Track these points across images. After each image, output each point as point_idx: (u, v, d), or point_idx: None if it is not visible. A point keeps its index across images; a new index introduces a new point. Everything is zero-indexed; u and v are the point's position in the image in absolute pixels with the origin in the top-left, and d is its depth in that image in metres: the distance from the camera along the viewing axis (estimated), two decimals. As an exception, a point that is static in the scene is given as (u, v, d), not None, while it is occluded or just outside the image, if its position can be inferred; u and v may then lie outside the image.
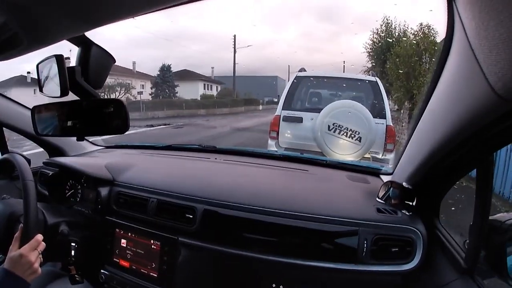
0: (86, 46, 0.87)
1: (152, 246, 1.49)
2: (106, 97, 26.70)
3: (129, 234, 1.56)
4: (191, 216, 1.43)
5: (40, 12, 0.67)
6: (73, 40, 0.85)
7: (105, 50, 0.90)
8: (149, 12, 0.67)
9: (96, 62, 0.89)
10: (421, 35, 16.26)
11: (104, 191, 1.65)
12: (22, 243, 1.24)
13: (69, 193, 1.81)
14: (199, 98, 35.40)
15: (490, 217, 1.07)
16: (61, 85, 0.84)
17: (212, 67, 46.76)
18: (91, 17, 0.70)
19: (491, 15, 0.52)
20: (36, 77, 0.97)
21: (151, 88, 35.05)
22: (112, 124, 0.95)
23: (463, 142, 0.87)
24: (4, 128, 2.02)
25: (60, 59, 0.84)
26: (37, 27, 0.74)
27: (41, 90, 0.95)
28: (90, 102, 0.93)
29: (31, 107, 1.12)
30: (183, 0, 0.63)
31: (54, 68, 0.86)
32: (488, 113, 0.69)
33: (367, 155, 4.31)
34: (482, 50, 0.59)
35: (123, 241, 1.57)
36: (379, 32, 26.13)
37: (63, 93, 0.84)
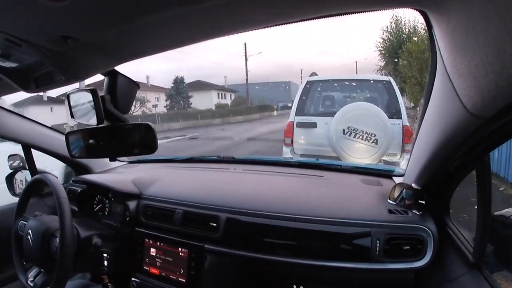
0: (113, 76, 0.96)
1: (180, 254, 1.57)
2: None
3: (158, 243, 1.64)
4: (215, 225, 1.51)
5: (75, 54, 0.75)
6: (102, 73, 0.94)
7: (130, 78, 0.99)
8: (171, 49, 0.76)
9: (123, 90, 0.97)
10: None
11: (132, 204, 1.74)
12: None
13: (97, 208, 1.89)
14: (213, 108, 35.54)
15: (496, 213, 1.12)
16: (97, 114, 0.93)
17: (225, 76, 47.05)
18: (120, 56, 0.78)
19: (457, 48, 0.62)
20: (67, 105, 1.06)
21: (166, 101, 35.30)
22: (142, 145, 1.04)
23: (454, 150, 0.96)
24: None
25: (95, 93, 0.93)
26: (71, 67, 0.82)
27: (72, 117, 1.04)
28: (122, 126, 1.02)
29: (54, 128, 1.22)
30: (196, 41, 0.72)
31: (88, 98, 0.95)
32: (465, 128, 0.80)
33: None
34: (454, 75, 0.69)
35: (152, 250, 1.66)
36: (388, 30, 25.92)
37: (99, 121, 0.93)
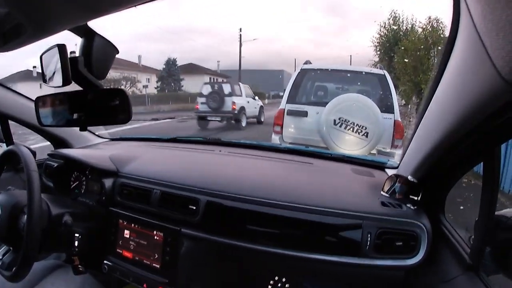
0: (89, 36, 0.86)
1: (155, 237, 1.49)
2: (111, 90, 26.84)
3: (133, 225, 1.56)
4: (194, 208, 1.43)
5: (43, 1, 0.66)
6: (76, 31, 0.84)
7: (108, 41, 0.89)
8: (151, 1, 0.66)
9: (99, 52, 0.87)
10: (430, 29, 16.12)
11: (108, 182, 1.65)
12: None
13: (74, 185, 1.81)
14: (204, 92, 35.38)
15: (496, 213, 1.05)
16: (63, 75, 0.83)
17: (218, 61, 46.80)
18: (94, 6, 0.69)
19: None
20: (40, 68, 0.96)
21: (157, 82, 35.10)
22: (115, 114, 0.95)
23: (469, 133, 0.85)
24: (9, 121, 2.01)
25: (62, 49, 0.83)
26: (40, 16, 0.72)
27: (44, 81, 0.94)
28: (93, 92, 0.93)
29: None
30: None
31: (56, 57, 0.85)
32: (495, 100, 0.67)
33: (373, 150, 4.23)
34: (488, 33, 0.56)
35: (126, 232, 1.57)
36: (386, 26, 26.01)
37: (65, 82, 0.83)
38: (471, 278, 1.04)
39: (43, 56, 0.94)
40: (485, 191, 0.98)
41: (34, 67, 29.45)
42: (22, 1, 0.67)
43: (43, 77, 0.95)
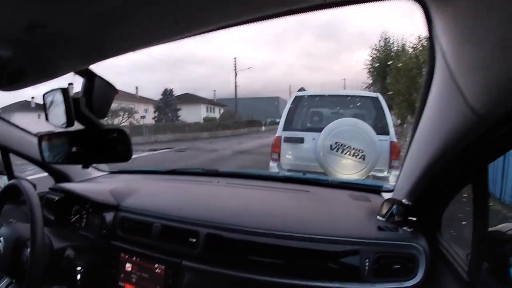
0: (89, 77, 0.90)
1: (157, 270, 1.49)
2: (109, 122, 27.03)
3: (134, 258, 1.56)
4: (194, 240, 1.43)
5: (47, 48, 0.70)
6: (77, 72, 0.89)
7: (108, 81, 0.93)
8: (148, 47, 0.70)
9: (100, 92, 0.92)
10: (420, 48, 16.35)
11: (109, 216, 1.66)
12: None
13: (74, 218, 1.82)
14: (201, 121, 35.63)
15: (491, 228, 1.07)
16: (67, 117, 0.86)
17: (214, 90, 47.39)
18: (95, 52, 0.73)
19: (466, 38, 0.55)
20: (42, 105, 1.00)
21: (154, 112, 35.36)
22: (116, 152, 0.98)
23: (453, 160, 0.89)
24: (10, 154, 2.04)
25: (65, 92, 0.87)
26: (43, 61, 0.77)
27: (47, 119, 0.98)
28: (95, 131, 0.96)
29: (36, 133, 1.15)
30: (178, 37, 0.66)
31: (60, 98, 0.89)
32: (470, 133, 0.72)
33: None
34: (460, 72, 0.61)
35: (128, 265, 1.57)
36: (377, 48, 26.48)
37: (69, 124, 0.87)
38: None
39: (45, 95, 0.98)
40: (477, 210, 1.00)
41: (33, 97, 29.64)
42: (27, 47, 0.71)
43: (45, 116, 0.99)
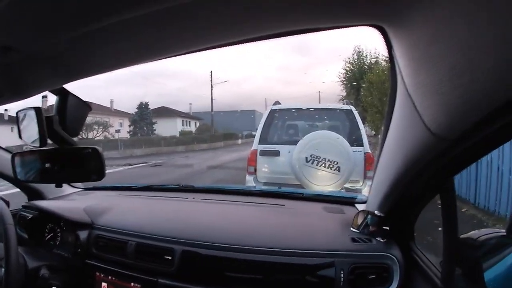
0: (63, 95, 0.91)
1: None
2: (84, 136, 26.47)
3: (110, 277, 1.54)
4: (169, 258, 1.43)
5: (21, 69, 0.70)
6: (51, 90, 0.88)
7: (81, 100, 0.94)
8: (123, 67, 0.71)
9: (73, 110, 0.92)
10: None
11: (83, 234, 1.64)
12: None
13: (49, 237, 1.78)
14: (177, 135, 35.29)
15: (463, 235, 1.12)
16: (40, 136, 0.86)
17: (190, 103, 47.03)
18: (69, 73, 0.73)
19: (421, 63, 0.58)
20: (16, 122, 1.00)
21: (129, 126, 34.80)
22: (89, 171, 0.98)
23: (418, 174, 0.93)
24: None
25: (39, 112, 0.87)
26: (18, 82, 0.76)
27: (20, 137, 0.97)
28: (68, 149, 0.96)
29: (9, 150, 1.14)
30: (153, 58, 0.68)
31: (33, 117, 0.89)
32: (429, 152, 0.76)
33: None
34: (416, 94, 0.65)
35: (103, 284, 1.55)
36: (351, 61, 27.02)
37: (42, 144, 0.87)
38: None
39: (19, 113, 0.98)
40: (446, 217, 1.04)
41: (6, 110, 28.71)
42: (0, 69, 0.70)
43: (19, 133, 0.99)
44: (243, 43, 0.64)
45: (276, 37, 0.62)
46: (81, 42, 0.60)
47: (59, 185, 1.05)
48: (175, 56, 0.68)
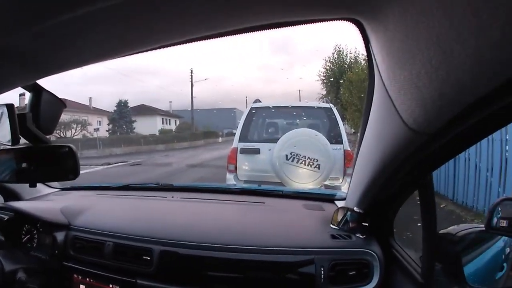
0: (36, 92, 0.88)
1: None
2: (62, 134, 25.93)
3: (87, 279, 1.51)
4: (148, 258, 1.42)
5: None
6: (24, 87, 0.86)
7: (56, 96, 0.91)
8: (98, 62, 0.70)
9: (47, 108, 0.90)
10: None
11: (60, 236, 1.61)
12: None
13: (26, 238, 1.74)
14: (157, 133, 34.96)
15: (442, 231, 1.14)
16: (12, 134, 0.84)
17: (170, 101, 46.56)
18: (42, 68, 0.71)
19: (397, 58, 0.58)
20: None
21: (108, 124, 34.24)
22: (63, 170, 0.96)
23: (396, 170, 0.94)
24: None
25: (10, 109, 0.85)
26: None
27: (-9, 135, 0.94)
28: (41, 148, 0.93)
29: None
30: (128, 52, 0.66)
31: (5, 114, 0.86)
32: (406, 147, 0.76)
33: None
34: (393, 89, 0.65)
35: (81, 286, 1.53)
36: (331, 60, 27.23)
37: (14, 142, 0.84)
38: None
39: None
40: (425, 213, 1.06)
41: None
42: None
43: None
44: (218, 37, 0.63)
45: (252, 31, 0.62)
46: (49, 35, 0.58)
47: (33, 185, 1.02)
48: (148, 50, 0.67)
